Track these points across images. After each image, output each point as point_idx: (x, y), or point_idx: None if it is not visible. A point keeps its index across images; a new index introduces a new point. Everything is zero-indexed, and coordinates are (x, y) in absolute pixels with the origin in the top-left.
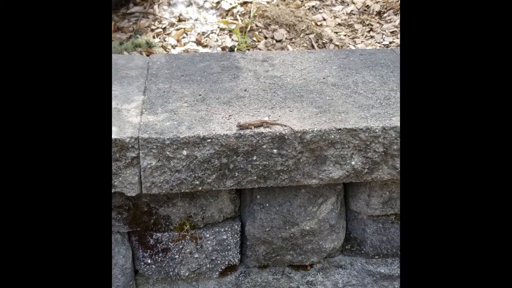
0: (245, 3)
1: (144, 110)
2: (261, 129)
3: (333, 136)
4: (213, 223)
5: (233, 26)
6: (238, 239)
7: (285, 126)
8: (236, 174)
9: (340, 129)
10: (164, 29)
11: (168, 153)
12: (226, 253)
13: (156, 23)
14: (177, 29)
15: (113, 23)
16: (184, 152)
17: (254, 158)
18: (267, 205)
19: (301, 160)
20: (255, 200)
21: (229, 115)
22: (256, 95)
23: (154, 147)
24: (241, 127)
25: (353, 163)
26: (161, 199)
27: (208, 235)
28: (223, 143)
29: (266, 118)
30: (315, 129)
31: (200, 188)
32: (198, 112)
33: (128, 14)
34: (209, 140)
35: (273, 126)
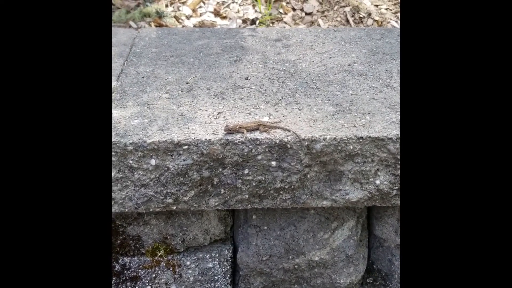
0: None
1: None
2: (256, 134)
3: (352, 147)
4: (196, 247)
5: None
6: (228, 267)
7: (289, 131)
8: (222, 191)
9: (362, 137)
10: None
11: (131, 162)
12: (212, 285)
13: None
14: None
15: None
16: (152, 162)
17: (246, 171)
18: (265, 227)
19: (308, 176)
20: (250, 221)
21: (218, 113)
22: (258, 85)
23: (113, 153)
24: (229, 130)
25: (377, 182)
26: (130, 215)
27: (189, 263)
28: (204, 151)
29: (265, 119)
30: (328, 136)
31: (175, 208)
32: (180, 106)
33: None
34: (186, 147)
35: (272, 130)
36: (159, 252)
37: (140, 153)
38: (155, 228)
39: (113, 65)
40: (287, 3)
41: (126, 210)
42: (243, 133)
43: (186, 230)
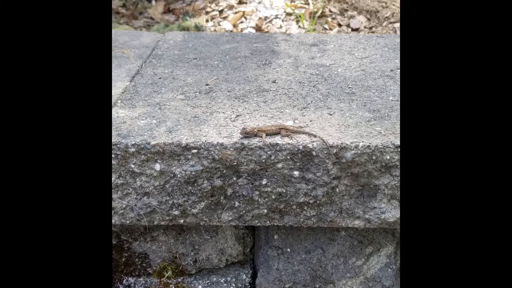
0: None
1: (119, 101)
2: (277, 139)
3: (388, 157)
4: (209, 270)
5: (302, 11)
6: None
7: (315, 136)
8: (237, 204)
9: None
10: (220, 11)
11: (132, 166)
12: None
13: (213, 5)
14: (236, 12)
15: (164, 3)
16: (157, 167)
17: (264, 181)
18: (289, 250)
19: (336, 190)
20: (271, 241)
21: (237, 115)
22: (286, 88)
23: (113, 156)
24: (246, 133)
25: None
26: (136, 230)
27: (201, 287)
28: (216, 156)
29: (289, 123)
30: (361, 144)
31: (182, 221)
32: (194, 108)
33: None
34: (195, 150)
35: (296, 135)
36: (168, 273)
37: (143, 156)
38: (163, 245)
39: (129, 66)
40: (333, 18)
41: (127, 222)
42: (261, 137)
43: (199, 249)
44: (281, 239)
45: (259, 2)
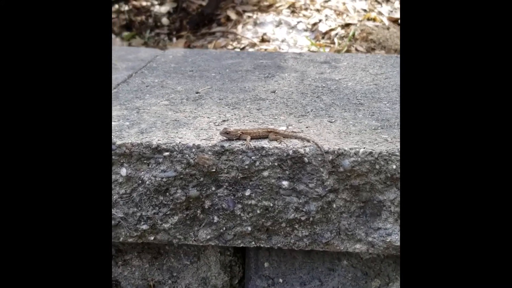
0: (347, 25)
1: None
2: (263, 143)
3: (395, 166)
4: None
5: (327, 50)
6: None
7: (308, 141)
8: (216, 219)
9: None
10: (242, 49)
11: None
12: None
13: (235, 43)
14: (257, 50)
15: (185, 41)
16: (123, 171)
17: (248, 193)
18: (281, 280)
19: (333, 206)
20: (260, 270)
21: (223, 120)
22: (285, 98)
23: None
24: (227, 134)
25: None
26: None
27: None
28: (191, 160)
29: (281, 128)
30: (361, 150)
31: (152, 238)
32: (177, 113)
33: (208, 34)
34: (167, 153)
35: (286, 139)
36: None
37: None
38: (137, 270)
39: (116, 75)
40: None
41: None
42: (245, 139)
43: (177, 276)
44: (272, 268)
45: (282, 41)
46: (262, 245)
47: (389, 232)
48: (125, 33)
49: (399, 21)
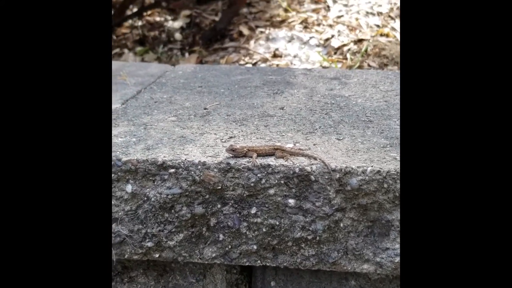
0: (360, 40)
1: None
2: (269, 160)
3: None
4: None
5: (339, 65)
6: None
7: (315, 158)
8: (221, 237)
9: None
10: (254, 64)
11: None
12: None
13: (247, 58)
14: (269, 65)
15: (197, 56)
16: (128, 188)
17: (254, 211)
18: None
19: (341, 225)
20: None
21: (230, 137)
22: (293, 114)
23: None
24: (233, 152)
25: None
26: (113, 267)
27: None
28: (197, 177)
29: (288, 145)
30: (369, 168)
31: (157, 256)
32: (184, 129)
33: (221, 49)
34: (173, 170)
35: (293, 157)
36: None
37: (113, 175)
38: None
39: (126, 91)
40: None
41: None
42: (251, 157)
43: None
44: (278, 287)
45: (295, 56)
46: (268, 264)
47: (397, 253)
48: (138, 48)
49: (399, 35)
